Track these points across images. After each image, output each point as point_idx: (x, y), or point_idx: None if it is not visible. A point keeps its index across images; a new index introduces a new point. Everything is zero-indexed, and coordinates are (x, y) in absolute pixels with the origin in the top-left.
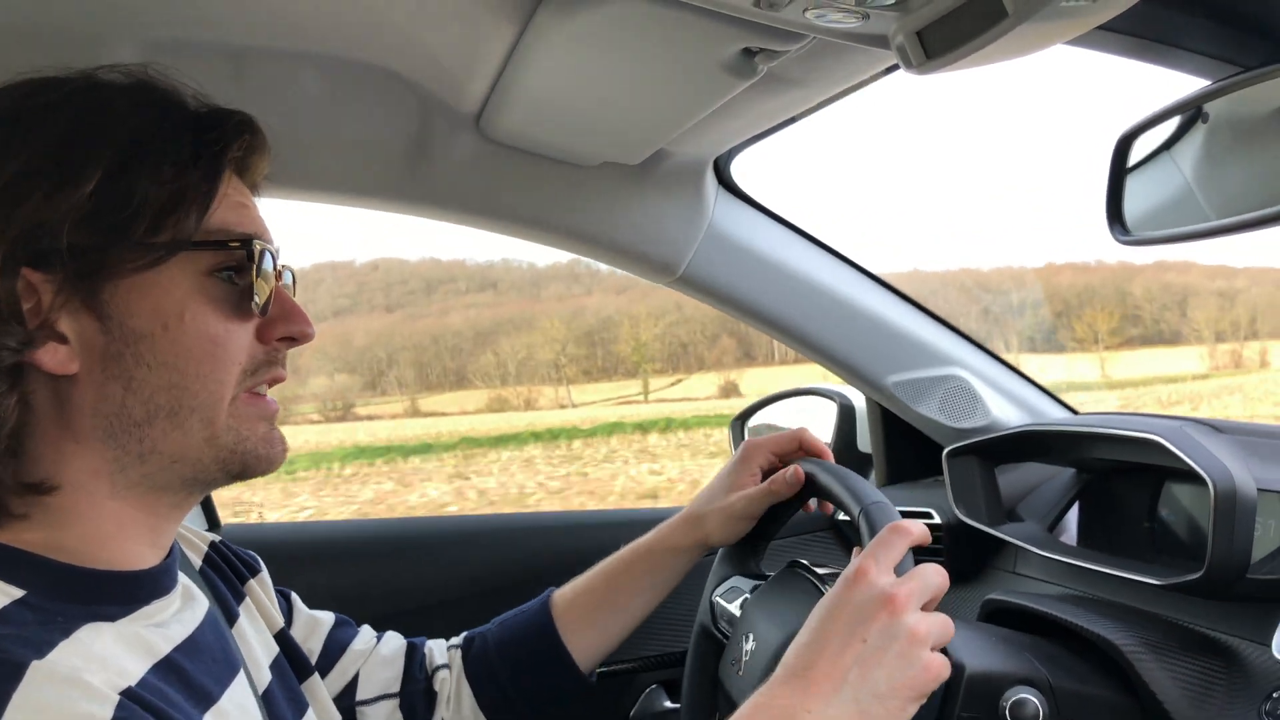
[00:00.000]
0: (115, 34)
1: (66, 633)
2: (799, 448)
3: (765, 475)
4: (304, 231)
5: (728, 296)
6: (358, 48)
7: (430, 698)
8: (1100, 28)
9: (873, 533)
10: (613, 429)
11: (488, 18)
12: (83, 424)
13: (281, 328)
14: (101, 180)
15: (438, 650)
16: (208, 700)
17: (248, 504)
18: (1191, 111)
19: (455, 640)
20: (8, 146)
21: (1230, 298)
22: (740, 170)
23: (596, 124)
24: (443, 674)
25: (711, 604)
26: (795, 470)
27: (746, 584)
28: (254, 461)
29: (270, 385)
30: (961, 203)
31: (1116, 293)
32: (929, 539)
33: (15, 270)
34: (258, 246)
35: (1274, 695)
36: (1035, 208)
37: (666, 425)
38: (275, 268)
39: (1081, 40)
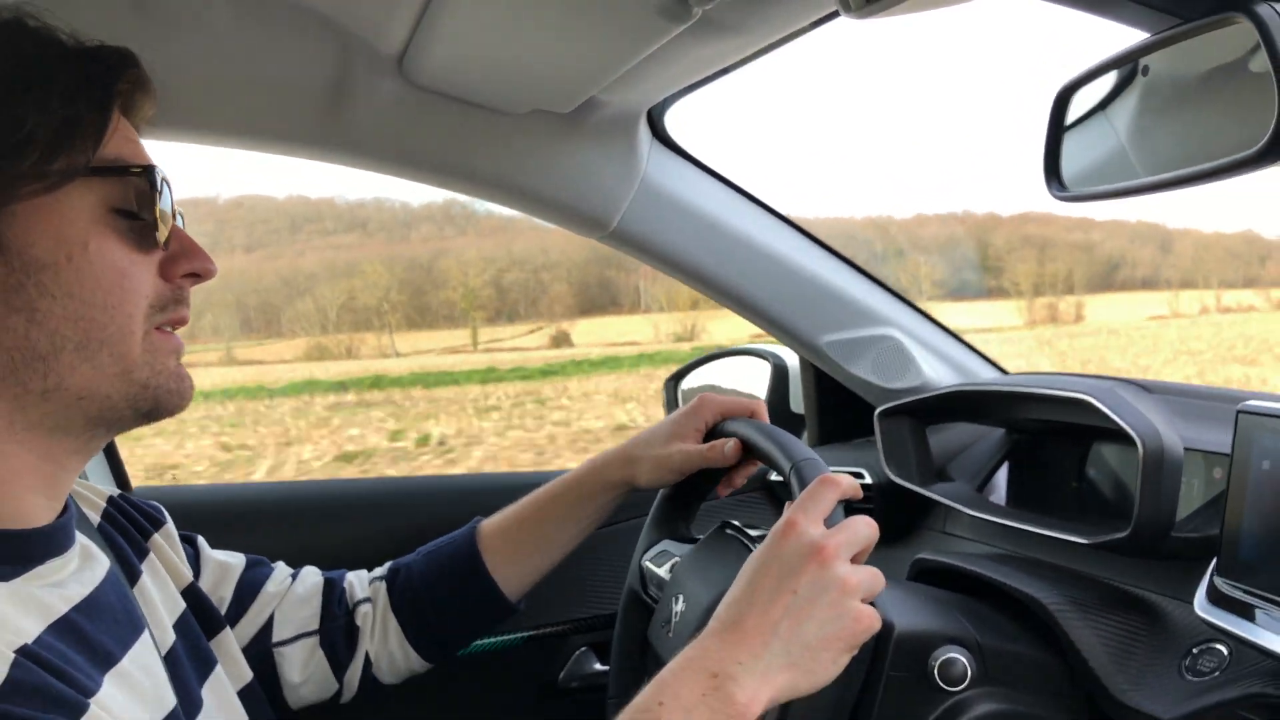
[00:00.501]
0: None
1: None
2: (749, 416)
3: (708, 433)
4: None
5: (660, 253)
6: None
7: (352, 632)
8: None
9: (803, 487)
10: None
11: None
12: None
13: (185, 264)
14: None
15: (359, 583)
16: (109, 660)
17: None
18: (1129, 67)
19: (379, 572)
20: None
21: (1088, 250)
22: (674, 122)
23: (524, 69)
24: (365, 608)
25: (641, 568)
26: (735, 444)
27: (676, 548)
28: (165, 397)
29: (175, 327)
30: (871, 151)
31: (979, 244)
32: (859, 493)
33: None
34: (158, 174)
35: (1194, 650)
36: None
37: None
38: (173, 204)
39: None
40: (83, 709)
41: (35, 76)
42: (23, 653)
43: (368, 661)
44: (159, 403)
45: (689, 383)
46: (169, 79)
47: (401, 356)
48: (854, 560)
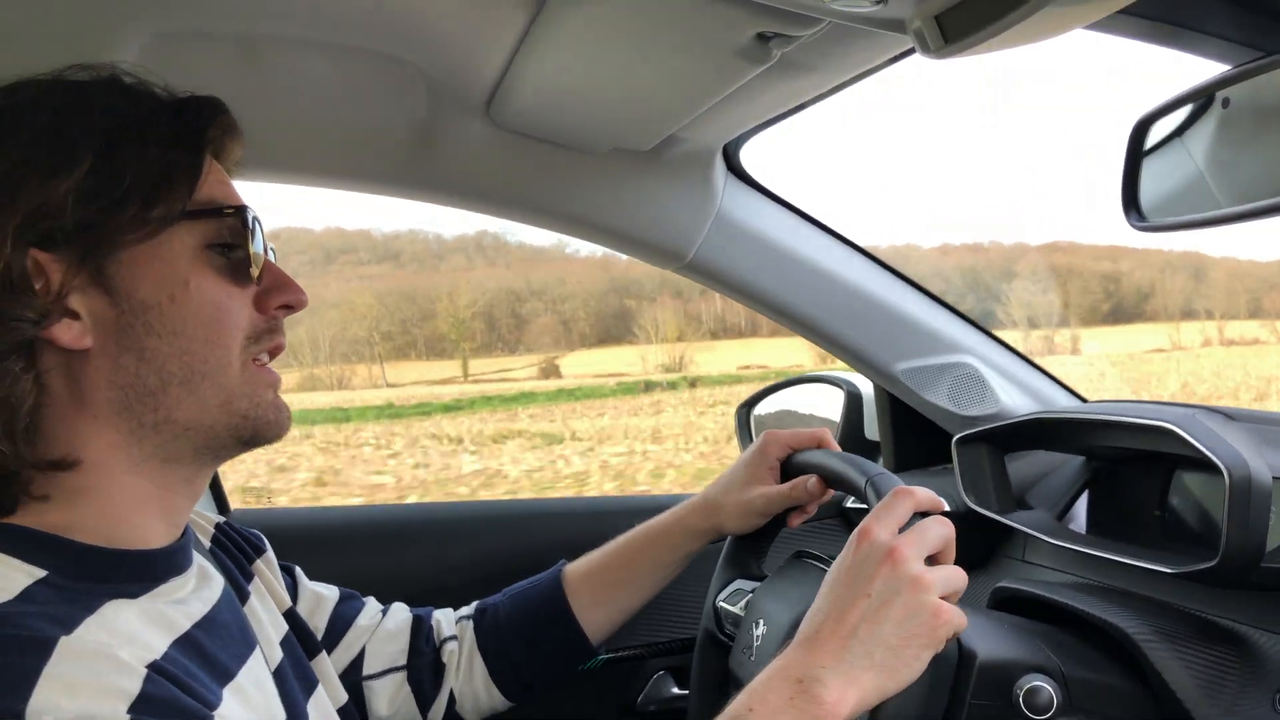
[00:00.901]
0: (124, 26)
1: (90, 609)
2: (816, 446)
3: (782, 469)
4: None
5: (736, 283)
6: (367, 35)
7: (438, 669)
8: (1121, 11)
9: (879, 500)
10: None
11: (499, 4)
12: (98, 398)
13: (277, 296)
14: (93, 163)
15: (445, 621)
16: (226, 675)
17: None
18: (1206, 97)
19: (465, 611)
20: (1, 143)
21: (1115, 279)
22: (749, 156)
23: (607, 110)
24: (451, 645)
25: (715, 609)
26: (817, 480)
27: (750, 586)
28: (264, 427)
29: (271, 356)
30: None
31: (1003, 273)
32: (941, 504)
33: (24, 251)
34: (250, 214)
35: None
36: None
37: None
38: (264, 240)
39: (1101, 24)
40: (213, 710)
41: (132, 131)
42: (153, 668)
43: (452, 698)
44: (258, 432)
45: (761, 410)
46: (270, 125)
47: (392, 387)
48: (935, 561)
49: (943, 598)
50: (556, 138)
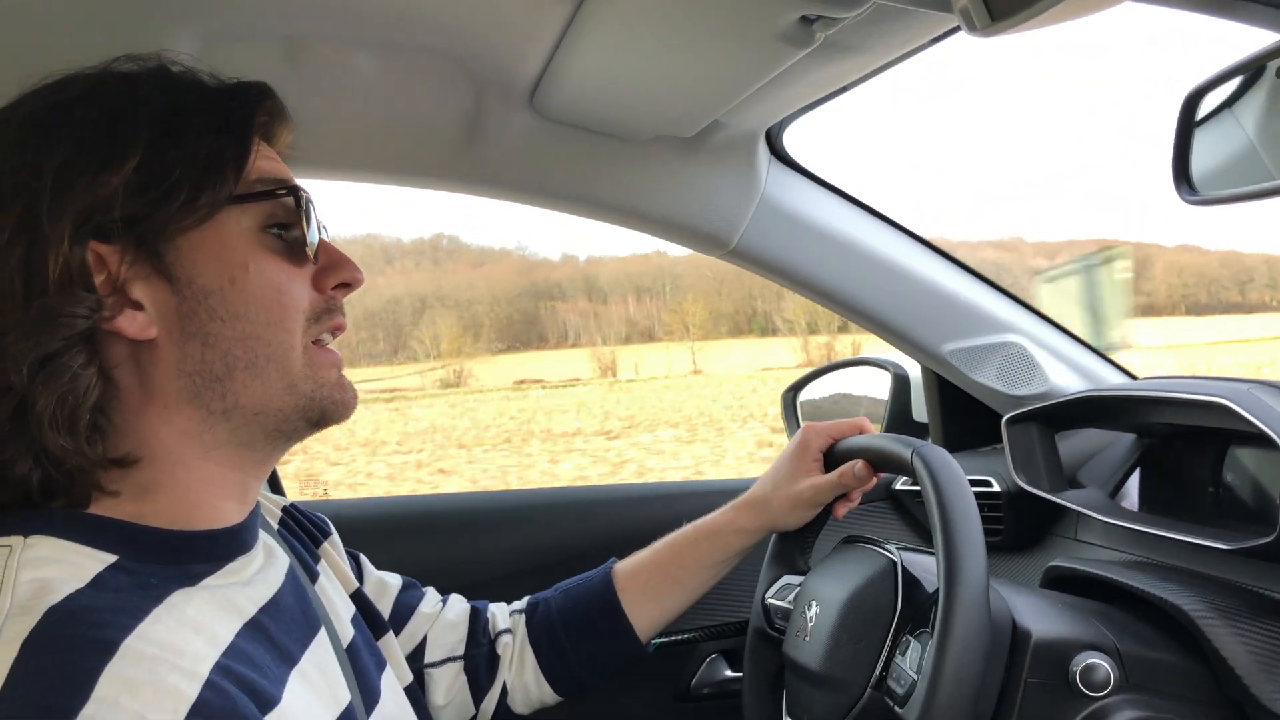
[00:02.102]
0: (172, 23)
1: (159, 599)
2: (857, 434)
3: (826, 459)
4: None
5: (781, 268)
6: (409, 30)
7: (493, 661)
8: None
9: (930, 470)
10: None
11: None
12: (167, 387)
13: (334, 275)
14: (143, 155)
15: (500, 615)
16: (291, 660)
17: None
18: (1257, 68)
19: (518, 605)
20: (52, 137)
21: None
22: (793, 139)
23: (650, 98)
24: (505, 638)
25: (764, 605)
26: (864, 464)
27: (797, 580)
28: (331, 407)
29: (334, 335)
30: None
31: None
32: None
33: (83, 244)
34: (303, 194)
35: None
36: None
37: None
38: (317, 220)
39: None
40: (277, 702)
41: (180, 121)
42: (217, 669)
43: (504, 691)
44: (326, 412)
45: (807, 394)
46: (317, 121)
47: None
48: None
49: None
50: (600, 127)
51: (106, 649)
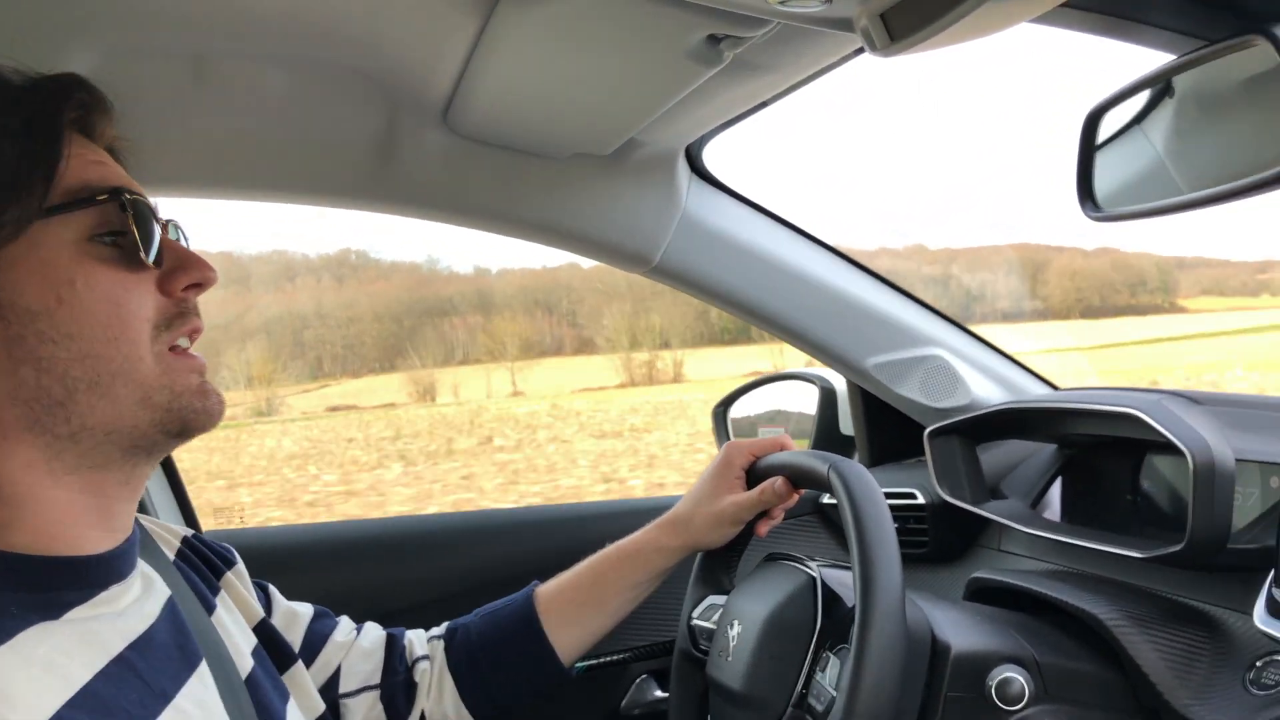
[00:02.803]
0: (72, 39)
1: (10, 633)
2: (779, 450)
3: (748, 476)
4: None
5: (704, 285)
6: (320, 46)
7: (410, 689)
8: (1066, 4)
9: (845, 485)
10: None
11: (450, 11)
12: (4, 417)
13: (182, 277)
14: None
15: (418, 641)
16: (164, 698)
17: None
18: (1160, 85)
19: (436, 631)
20: None
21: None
22: (713, 156)
23: (565, 115)
24: (423, 665)
25: (690, 628)
26: (784, 480)
27: (722, 600)
28: (193, 417)
29: (191, 339)
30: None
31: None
32: None
33: None
34: (127, 196)
35: (1257, 663)
36: None
37: None
38: (157, 218)
39: (1046, 18)
40: None
41: None
42: (69, 706)
43: (422, 718)
44: (186, 423)
45: (736, 410)
46: (228, 141)
47: None
48: None
49: None
50: (516, 144)
51: None
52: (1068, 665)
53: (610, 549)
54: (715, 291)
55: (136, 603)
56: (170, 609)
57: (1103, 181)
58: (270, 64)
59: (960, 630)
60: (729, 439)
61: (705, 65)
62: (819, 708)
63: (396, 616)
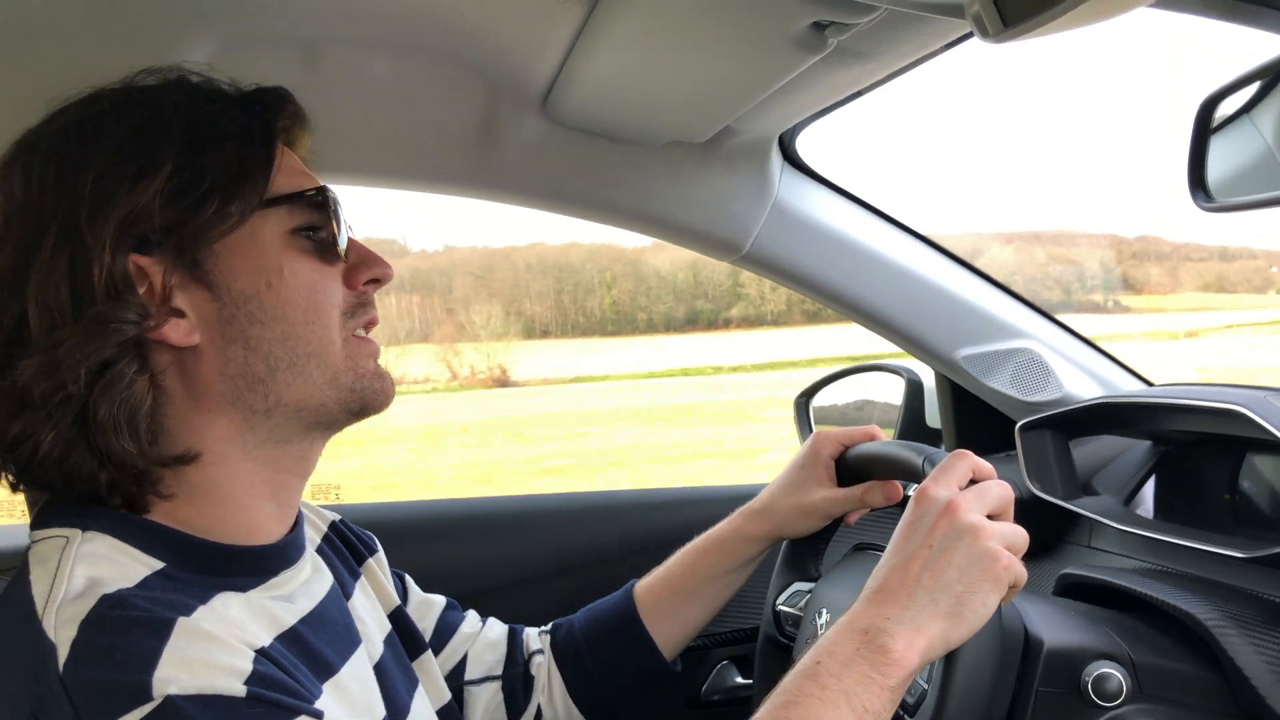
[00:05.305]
0: (189, 29)
1: (203, 599)
2: (869, 440)
3: (837, 466)
4: None
5: (793, 273)
6: (426, 34)
7: (528, 682)
8: None
9: None
10: None
11: (555, 1)
12: (211, 391)
13: (364, 272)
14: (175, 164)
15: (533, 637)
16: (329, 670)
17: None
18: (1271, 75)
19: (545, 627)
20: (87, 151)
21: None
22: (806, 144)
23: (663, 103)
24: (539, 659)
25: (775, 613)
26: (895, 486)
27: (808, 587)
28: (372, 397)
29: (368, 329)
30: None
31: None
32: (994, 472)
33: (124, 257)
34: (329, 194)
35: None
36: None
37: None
38: (344, 219)
39: (1167, 2)
40: (313, 702)
41: (207, 130)
42: (260, 653)
43: (538, 713)
44: (366, 402)
45: (819, 400)
46: (334, 127)
47: None
48: (993, 519)
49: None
50: (612, 132)
51: (164, 628)
52: (1164, 664)
53: (697, 540)
54: (804, 280)
55: (305, 585)
56: (335, 591)
57: (1215, 171)
58: (376, 51)
59: (1053, 625)
60: (811, 431)
61: (808, 52)
62: (910, 700)
63: (479, 596)
